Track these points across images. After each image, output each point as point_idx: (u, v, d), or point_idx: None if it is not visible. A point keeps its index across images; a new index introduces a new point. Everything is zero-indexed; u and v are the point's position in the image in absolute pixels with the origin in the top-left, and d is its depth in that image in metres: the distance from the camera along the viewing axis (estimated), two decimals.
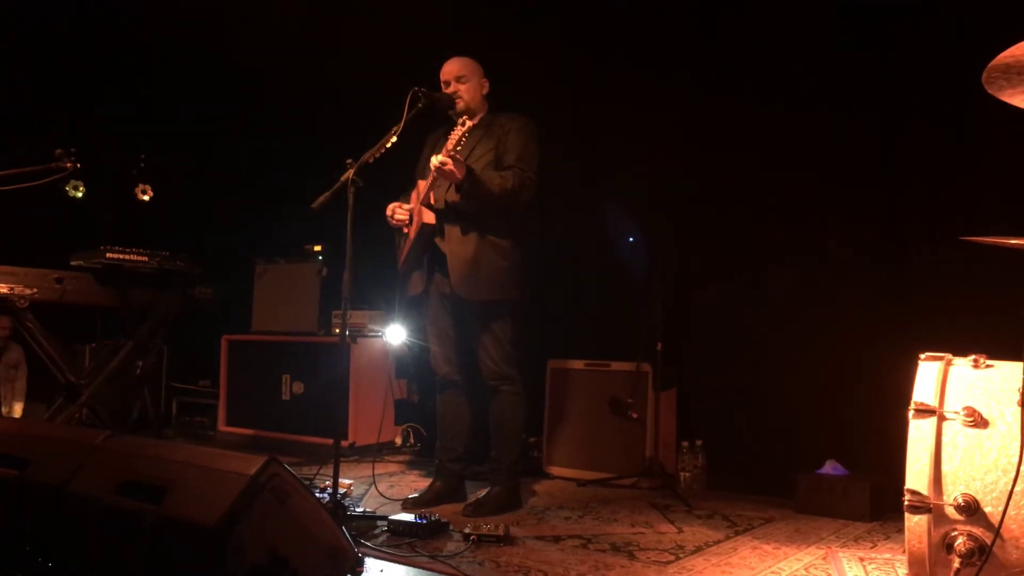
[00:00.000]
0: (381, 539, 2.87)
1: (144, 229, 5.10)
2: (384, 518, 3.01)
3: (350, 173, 2.99)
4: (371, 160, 3.05)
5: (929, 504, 2.03)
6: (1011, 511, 1.93)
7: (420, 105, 3.17)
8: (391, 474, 4.21)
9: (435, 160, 3.12)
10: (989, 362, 2.17)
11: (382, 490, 3.65)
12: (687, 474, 3.87)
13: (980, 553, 1.97)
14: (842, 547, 2.88)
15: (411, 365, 4.91)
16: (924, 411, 2.10)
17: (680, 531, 3.09)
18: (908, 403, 2.14)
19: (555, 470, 4.19)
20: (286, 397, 4.95)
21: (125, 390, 4.54)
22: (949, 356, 2.20)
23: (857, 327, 3.69)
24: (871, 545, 2.91)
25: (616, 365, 4.10)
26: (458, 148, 3.14)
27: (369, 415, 4.65)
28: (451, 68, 3.45)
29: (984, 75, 1.87)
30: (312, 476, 3.63)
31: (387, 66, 4.53)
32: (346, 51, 5.06)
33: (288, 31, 5.22)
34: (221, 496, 1.81)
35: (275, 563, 1.83)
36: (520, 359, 3.48)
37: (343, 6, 4.99)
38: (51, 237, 4.82)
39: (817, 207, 3.89)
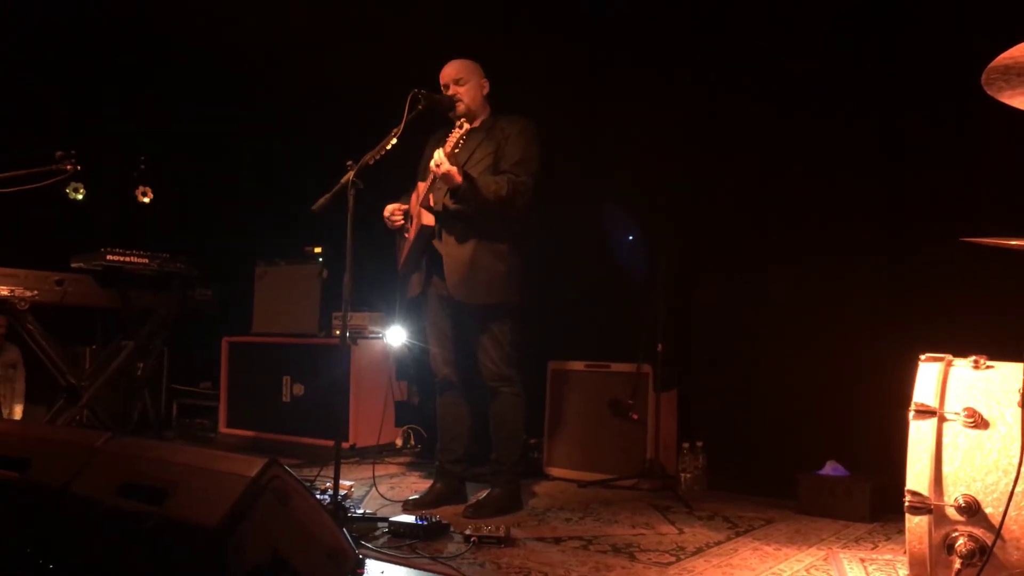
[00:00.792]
0: (382, 540, 2.88)
1: (145, 231, 5.11)
2: (385, 519, 3.02)
3: (350, 175, 2.98)
4: (371, 162, 3.05)
5: (930, 505, 2.03)
6: (1012, 512, 1.93)
7: (420, 107, 3.16)
8: (391, 476, 4.21)
9: (436, 157, 3.12)
10: (989, 363, 2.17)
11: (383, 492, 3.65)
12: (688, 475, 3.87)
13: (981, 554, 1.97)
14: (843, 548, 2.88)
15: (411, 367, 4.91)
16: (924, 412, 2.10)
17: (681, 532, 3.10)
18: (908, 404, 2.13)
19: (555, 471, 4.19)
20: (287, 399, 4.95)
21: (126, 392, 4.54)
22: (949, 357, 2.20)
23: (857, 327, 3.70)
24: (872, 546, 2.91)
25: (616, 366, 4.10)
26: (456, 150, 3.15)
27: (369, 417, 4.64)
28: (449, 71, 3.44)
29: (983, 76, 1.86)
30: (313, 478, 3.63)
31: (387, 67, 4.54)
32: (347, 52, 5.06)
33: (288, 32, 5.22)
34: (222, 497, 1.81)
35: (276, 564, 1.83)
36: (520, 360, 3.48)
37: (343, 7, 4.99)
38: (51, 239, 4.81)
39: (817, 207, 3.90)
